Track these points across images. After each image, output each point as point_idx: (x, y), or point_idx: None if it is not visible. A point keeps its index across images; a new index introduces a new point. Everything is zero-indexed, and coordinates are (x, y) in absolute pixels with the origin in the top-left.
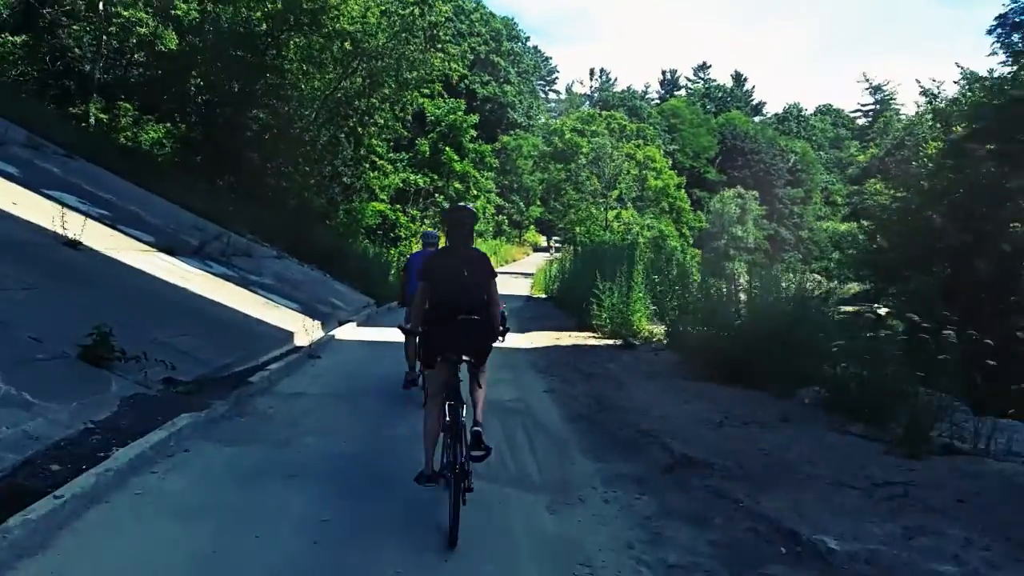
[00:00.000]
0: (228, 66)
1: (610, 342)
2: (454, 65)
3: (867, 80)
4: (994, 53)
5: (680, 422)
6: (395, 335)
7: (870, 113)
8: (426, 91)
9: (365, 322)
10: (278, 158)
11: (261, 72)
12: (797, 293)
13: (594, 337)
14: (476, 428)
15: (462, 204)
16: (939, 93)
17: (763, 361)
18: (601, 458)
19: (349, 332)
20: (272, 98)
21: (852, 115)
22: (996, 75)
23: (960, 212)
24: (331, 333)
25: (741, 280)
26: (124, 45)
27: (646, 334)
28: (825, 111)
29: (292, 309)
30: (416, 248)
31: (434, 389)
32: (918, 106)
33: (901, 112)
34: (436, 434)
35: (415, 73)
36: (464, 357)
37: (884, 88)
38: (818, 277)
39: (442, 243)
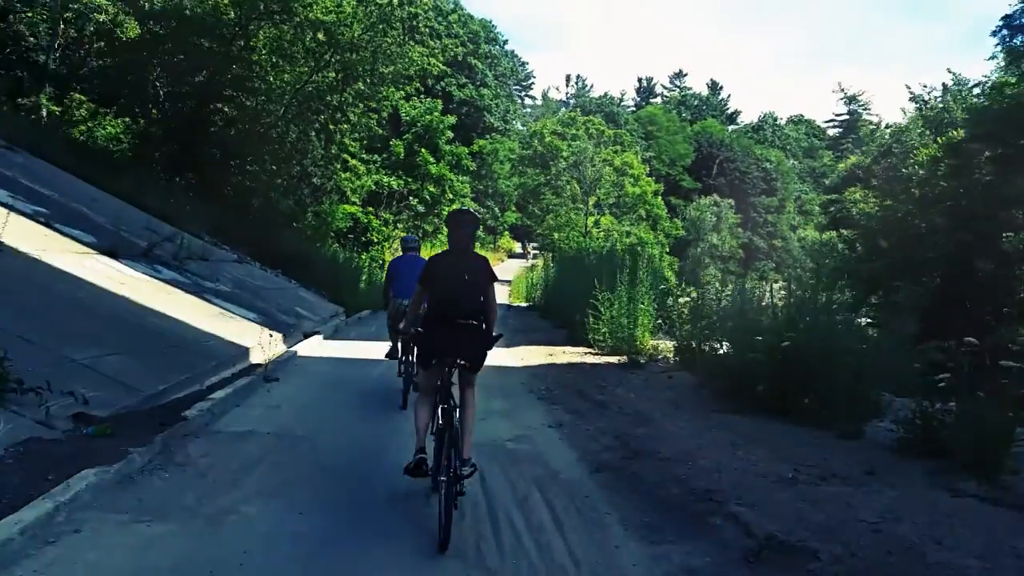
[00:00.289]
0: (192, 57)
1: (612, 360)
2: (433, 60)
3: (843, 90)
4: (994, 57)
5: (740, 476)
6: (366, 351)
7: (843, 124)
8: (401, 92)
9: (333, 335)
10: (243, 155)
11: (227, 63)
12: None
13: (591, 353)
14: (464, 469)
15: (465, 208)
16: (929, 100)
17: (820, 391)
18: (652, 536)
19: (314, 347)
20: (238, 91)
21: (823, 125)
22: (994, 79)
23: (955, 219)
24: (293, 349)
25: (778, 290)
26: (82, 34)
27: (650, 351)
28: (797, 121)
29: (250, 320)
30: (389, 254)
31: (428, 389)
32: (904, 113)
33: (874, 122)
34: (427, 422)
35: (392, 67)
36: (460, 361)
37: (859, 98)
38: (791, 286)
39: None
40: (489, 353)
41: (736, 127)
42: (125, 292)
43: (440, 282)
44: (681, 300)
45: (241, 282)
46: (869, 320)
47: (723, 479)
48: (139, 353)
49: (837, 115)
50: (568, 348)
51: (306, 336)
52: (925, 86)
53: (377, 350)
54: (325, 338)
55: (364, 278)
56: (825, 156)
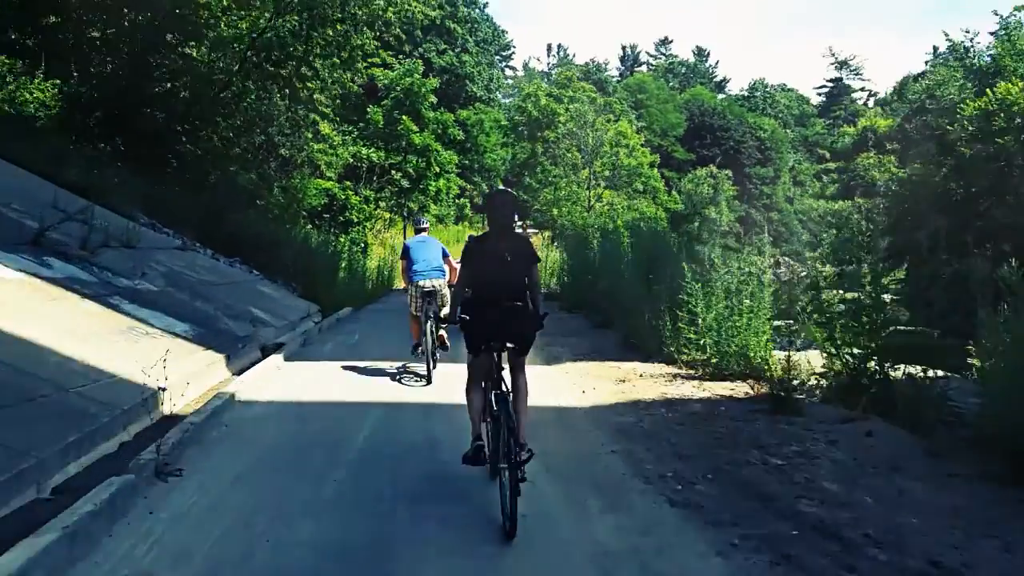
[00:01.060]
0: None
1: (725, 391)
2: (415, 2)
3: (833, 55)
4: None
5: None
6: (347, 382)
7: (831, 91)
8: (377, 59)
9: (300, 350)
10: (192, 119)
11: (170, 5)
12: None
13: (683, 376)
14: (522, 455)
15: (503, 188)
16: (971, 47)
17: None
18: None
19: (268, 377)
20: (185, 37)
21: (812, 92)
22: None
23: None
24: (231, 389)
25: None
26: None
27: (778, 372)
28: (781, 90)
29: (177, 334)
30: (371, 235)
31: (478, 375)
32: (927, 65)
33: (865, 88)
34: (482, 410)
35: (366, 8)
36: (509, 344)
37: (850, 63)
38: (789, 260)
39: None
40: (536, 375)
41: (725, 95)
42: None
43: (481, 264)
44: (848, 295)
45: (177, 277)
46: (895, 298)
47: None
48: None
49: (828, 80)
50: (639, 365)
51: (264, 353)
52: (967, 31)
53: (365, 380)
54: (287, 358)
55: (344, 265)
56: (817, 124)
